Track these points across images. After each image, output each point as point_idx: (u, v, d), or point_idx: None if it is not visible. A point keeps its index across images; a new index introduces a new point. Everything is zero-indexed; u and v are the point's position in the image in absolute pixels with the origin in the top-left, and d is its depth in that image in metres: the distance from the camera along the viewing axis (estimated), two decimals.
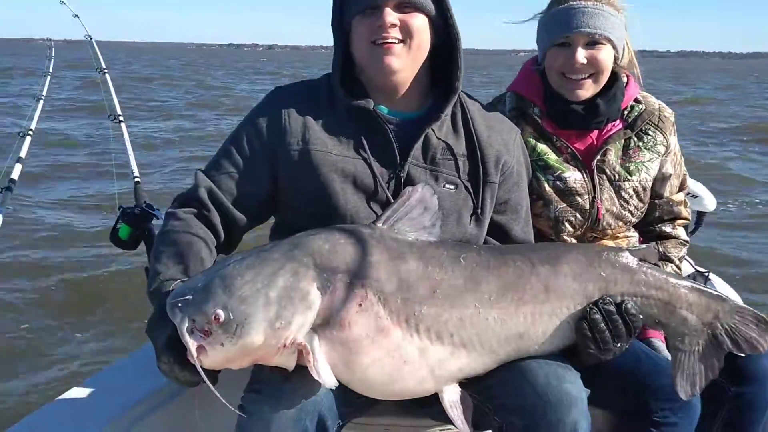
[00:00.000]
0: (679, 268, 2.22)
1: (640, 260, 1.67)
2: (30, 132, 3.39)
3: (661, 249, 2.20)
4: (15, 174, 3.06)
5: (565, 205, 2.07)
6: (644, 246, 2.02)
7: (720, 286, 3.09)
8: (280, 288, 1.43)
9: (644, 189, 2.13)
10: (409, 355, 1.51)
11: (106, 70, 4.31)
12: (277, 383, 1.50)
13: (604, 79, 2.05)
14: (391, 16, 1.67)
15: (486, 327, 1.56)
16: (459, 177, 1.78)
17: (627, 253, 1.67)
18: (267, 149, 1.74)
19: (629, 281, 1.65)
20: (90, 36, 4.75)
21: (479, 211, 1.79)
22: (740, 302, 2.94)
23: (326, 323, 1.46)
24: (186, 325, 1.38)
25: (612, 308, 1.59)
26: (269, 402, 1.47)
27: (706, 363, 1.67)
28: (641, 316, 1.63)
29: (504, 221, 1.87)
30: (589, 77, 2.02)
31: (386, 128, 1.74)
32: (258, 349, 1.43)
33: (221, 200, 1.72)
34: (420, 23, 1.70)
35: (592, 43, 2.00)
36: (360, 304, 1.48)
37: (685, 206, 2.25)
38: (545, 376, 1.55)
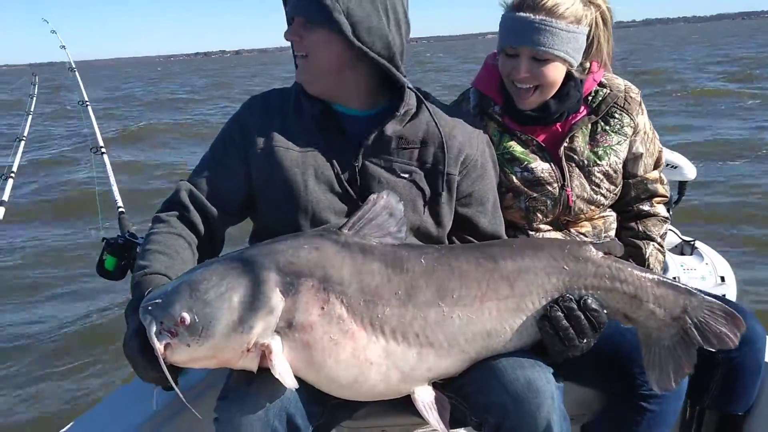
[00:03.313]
0: (662, 246, 2.22)
1: (605, 254, 1.65)
2: (12, 174, 3.41)
3: (641, 228, 2.20)
4: None
5: (535, 195, 2.07)
6: (608, 239, 2.01)
7: (707, 252, 3.08)
8: (244, 293, 1.48)
9: (615, 172, 2.12)
10: (375, 357, 1.53)
11: (87, 103, 4.35)
12: (242, 386, 1.54)
13: (552, 91, 2.02)
14: (290, 31, 1.78)
15: (452, 326, 1.57)
16: (413, 166, 1.83)
17: (591, 247, 1.66)
18: (239, 151, 1.85)
19: (593, 275, 1.63)
20: (74, 68, 4.78)
21: (434, 197, 1.83)
22: (729, 270, 2.96)
23: (289, 326, 1.49)
24: (154, 327, 1.45)
25: (573, 305, 1.59)
26: (236, 405, 1.51)
27: (679, 357, 1.64)
28: (605, 311, 1.62)
29: (470, 214, 1.90)
30: (534, 90, 2.00)
31: (342, 126, 1.83)
32: (222, 351, 1.48)
33: (200, 200, 1.83)
34: (318, 38, 1.75)
35: (538, 59, 1.95)
36: (322, 308, 1.50)
37: (662, 183, 2.23)
38: (514, 373, 1.57)
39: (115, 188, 3.31)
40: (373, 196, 1.65)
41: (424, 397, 1.59)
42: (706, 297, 1.65)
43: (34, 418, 4.28)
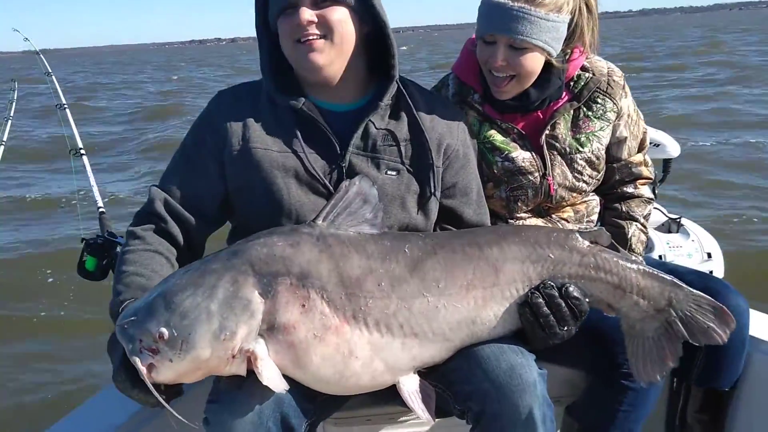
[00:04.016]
0: (645, 226, 2.21)
1: (591, 242, 1.64)
2: None
3: (624, 208, 2.19)
4: None
5: (515, 184, 2.04)
6: (595, 228, 2.01)
7: (693, 230, 3.09)
8: (221, 299, 1.44)
9: (598, 158, 2.09)
10: (360, 350, 1.51)
11: (66, 105, 4.31)
12: (233, 389, 1.51)
13: (529, 81, 1.97)
14: (307, 13, 1.67)
15: (436, 315, 1.56)
16: (401, 162, 1.78)
17: (577, 235, 1.64)
18: (213, 152, 1.76)
19: (578, 263, 1.62)
20: (50, 72, 4.74)
21: (425, 193, 1.79)
22: (716, 246, 2.98)
23: (272, 328, 1.46)
24: (131, 346, 1.41)
25: (554, 292, 1.58)
26: (228, 409, 1.48)
27: (662, 350, 1.63)
28: (587, 300, 1.61)
29: (454, 205, 1.87)
30: (511, 79, 1.95)
31: (323, 123, 1.75)
32: (207, 362, 1.44)
33: (176, 209, 1.74)
34: (339, 16, 1.70)
35: (515, 47, 1.90)
36: (303, 305, 1.48)
37: (646, 165, 2.21)
38: (496, 360, 1.56)
39: (95, 189, 3.29)
40: (344, 183, 1.61)
41: (409, 386, 1.58)
42: (693, 291, 1.63)
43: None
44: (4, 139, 4.08)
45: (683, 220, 3.15)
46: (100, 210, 3.08)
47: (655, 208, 3.05)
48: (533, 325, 1.59)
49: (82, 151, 3.67)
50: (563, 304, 1.58)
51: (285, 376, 1.46)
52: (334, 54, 1.71)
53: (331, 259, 1.52)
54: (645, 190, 2.21)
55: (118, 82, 38.12)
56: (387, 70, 1.78)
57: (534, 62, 1.93)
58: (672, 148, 3.13)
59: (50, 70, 4.68)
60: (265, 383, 1.42)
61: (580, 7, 1.95)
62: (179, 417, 1.42)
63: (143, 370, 1.40)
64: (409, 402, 1.57)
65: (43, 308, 5.94)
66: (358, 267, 1.52)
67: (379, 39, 1.77)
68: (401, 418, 2.05)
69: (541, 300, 1.58)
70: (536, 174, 2.04)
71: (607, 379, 1.93)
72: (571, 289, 1.59)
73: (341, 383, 1.53)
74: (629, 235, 2.16)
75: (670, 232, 3.14)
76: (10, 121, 4.43)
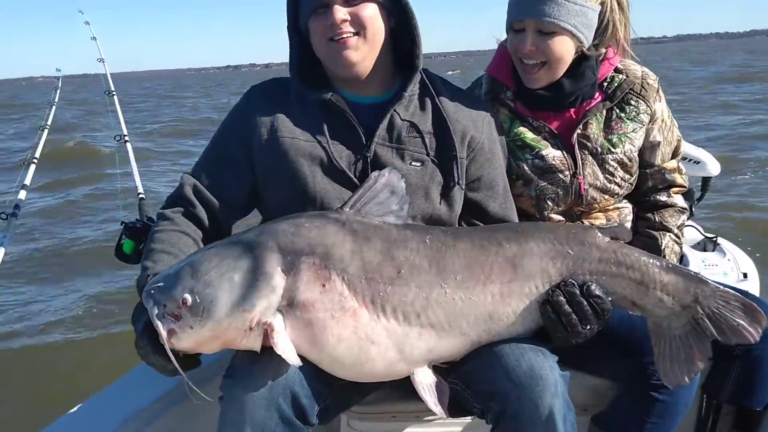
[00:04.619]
0: (679, 237, 2.16)
1: (612, 238, 1.61)
2: (35, 160, 3.47)
3: (657, 218, 2.14)
4: (21, 197, 3.14)
5: (545, 183, 2.02)
6: (616, 224, 1.97)
7: (729, 249, 3.01)
8: (244, 271, 1.48)
9: (630, 160, 2.06)
10: (376, 336, 1.52)
11: (114, 92, 4.45)
12: (246, 365, 1.54)
13: (560, 68, 1.96)
14: (341, 12, 1.71)
15: (453, 307, 1.55)
16: (426, 154, 1.79)
17: (596, 231, 1.62)
18: (242, 143, 1.81)
19: (597, 260, 1.59)
20: (102, 59, 4.83)
21: (449, 184, 1.79)
22: (752, 266, 2.89)
23: (291, 304, 1.49)
24: (156, 310, 1.46)
25: (575, 290, 1.56)
26: (241, 384, 1.51)
27: (691, 350, 1.58)
28: (609, 298, 1.58)
29: (479, 198, 1.87)
30: (542, 66, 1.94)
31: (350, 114, 1.78)
32: (225, 331, 1.47)
33: (205, 195, 1.79)
34: (371, 12, 1.73)
35: (544, 32, 1.90)
36: (324, 285, 1.50)
37: (680, 173, 2.16)
38: (517, 359, 1.54)
39: (136, 174, 3.36)
40: (374, 174, 1.63)
41: (423, 379, 1.57)
42: (720, 286, 1.58)
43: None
44: (48, 123, 4.22)
45: (720, 240, 3.08)
46: (140, 196, 3.17)
47: (691, 225, 2.98)
48: (555, 323, 1.57)
49: (126, 138, 3.77)
50: (585, 303, 1.56)
51: (301, 358, 1.48)
52: (367, 50, 1.75)
53: (355, 243, 1.54)
54: (678, 199, 2.17)
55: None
56: (412, 61, 1.80)
57: (563, 47, 1.92)
58: (712, 166, 3.06)
59: (103, 57, 4.77)
60: (279, 352, 1.45)
61: (612, 4, 1.95)
62: (193, 387, 1.45)
63: (164, 334, 1.44)
64: (423, 395, 1.57)
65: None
66: (380, 253, 1.54)
67: (405, 32, 1.80)
68: (427, 417, 2.03)
69: (562, 298, 1.56)
70: (566, 173, 2.02)
71: (636, 389, 1.89)
72: (593, 287, 1.56)
73: (356, 368, 1.54)
74: (663, 246, 2.11)
75: (705, 250, 3.07)
76: (54, 107, 4.59)
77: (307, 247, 1.51)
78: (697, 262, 2.91)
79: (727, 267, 2.86)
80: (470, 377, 1.61)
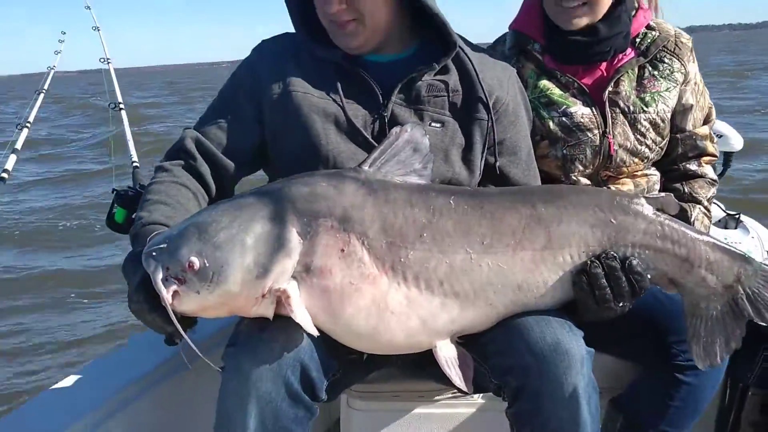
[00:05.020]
0: (709, 210, 2.07)
1: (658, 210, 1.48)
2: (27, 124, 3.37)
3: (687, 189, 2.05)
4: (9, 165, 3.05)
5: (573, 142, 1.92)
6: (663, 194, 1.86)
7: (753, 226, 2.93)
8: (258, 234, 1.35)
9: (663, 121, 1.97)
10: (396, 305, 1.40)
11: (110, 60, 4.34)
12: (254, 333, 1.42)
13: (603, 7, 1.87)
14: (335, 2, 1.60)
15: (479, 275, 1.43)
16: (446, 115, 1.69)
17: (643, 200, 1.48)
18: (251, 97, 1.71)
19: (643, 232, 1.46)
20: (98, 27, 4.71)
21: (470, 146, 1.69)
22: None
23: (307, 270, 1.37)
24: (160, 274, 1.33)
25: (616, 264, 1.43)
26: (246, 354, 1.39)
27: (726, 331, 1.49)
28: (649, 276, 1.46)
29: (501, 164, 1.75)
30: (583, 4, 1.86)
31: (365, 72, 1.68)
32: (236, 298, 1.36)
33: (209, 149, 1.69)
34: None
35: None
36: (342, 250, 1.38)
37: (712, 141, 2.07)
38: (541, 332, 1.42)
39: (130, 142, 3.27)
40: (395, 129, 1.50)
41: (447, 353, 1.46)
42: (764, 266, 1.49)
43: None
44: (45, 87, 4.13)
45: (742, 217, 2.99)
46: (134, 164, 3.07)
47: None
48: (587, 296, 1.45)
49: (121, 105, 3.69)
50: (624, 279, 1.43)
51: None
52: (368, 33, 1.65)
53: (375, 205, 1.41)
54: (709, 170, 2.07)
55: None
56: (430, 17, 1.68)
57: None
58: (735, 140, 2.97)
59: (98, 25, 4.66)
60: (297, 321, 1.33)
61: None
62: (196, 349, 1.33)
63: (168, 299, 1.32)
64: (446, 369, 1.45)
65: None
66: (402, 216, 1.42)
67: None
68: (432, 397, 1.94)
69: (600, 271, 1.43)
70: (596, 131, 1.92)
71: (659, 370, 1.80)
72: (635, 263, 1.43)
73: (374, 338, 1.42)
74: (692, 219, 2.01)
75: (727, 228, 2.98)
76: (52, 72, 4.48)
77: (325, 208, 1.38)
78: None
79: (751, 245, 2.77)
80: (488, 349, 1.49)
